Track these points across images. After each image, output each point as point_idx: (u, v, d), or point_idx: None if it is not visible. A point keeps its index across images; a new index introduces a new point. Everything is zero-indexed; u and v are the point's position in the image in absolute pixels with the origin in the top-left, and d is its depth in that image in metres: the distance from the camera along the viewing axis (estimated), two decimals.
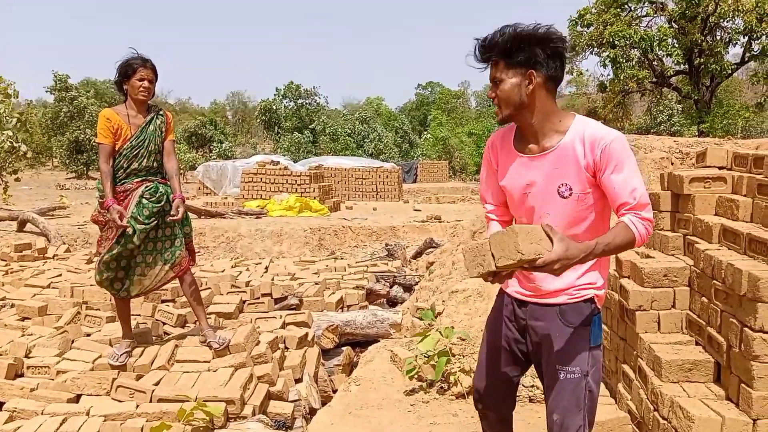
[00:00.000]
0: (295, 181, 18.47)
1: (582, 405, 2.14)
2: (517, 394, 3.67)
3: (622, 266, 3.57)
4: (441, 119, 45.06)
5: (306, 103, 46.19)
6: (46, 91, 38.19)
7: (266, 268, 8.19)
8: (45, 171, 40.54)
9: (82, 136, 36.30)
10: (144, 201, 4.17)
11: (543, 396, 2.34)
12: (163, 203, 4.23)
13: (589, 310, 2.15)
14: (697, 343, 3.13)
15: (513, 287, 2.27)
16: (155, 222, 4.21)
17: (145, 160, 4.22)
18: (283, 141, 42.30)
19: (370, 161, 26.34)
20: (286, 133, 44.06)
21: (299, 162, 26.51)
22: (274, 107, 46.52)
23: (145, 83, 4.16)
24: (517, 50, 2.02)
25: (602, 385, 3.78)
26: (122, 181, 4.20)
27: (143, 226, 4.14)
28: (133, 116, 4.21)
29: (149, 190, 4.21)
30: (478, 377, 2.43)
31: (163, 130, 4.31)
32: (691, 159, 4.98)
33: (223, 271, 7.51)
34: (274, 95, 46.87)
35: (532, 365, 2.34)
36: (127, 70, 4.15)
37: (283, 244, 11.51)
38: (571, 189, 2.06)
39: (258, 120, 50.19)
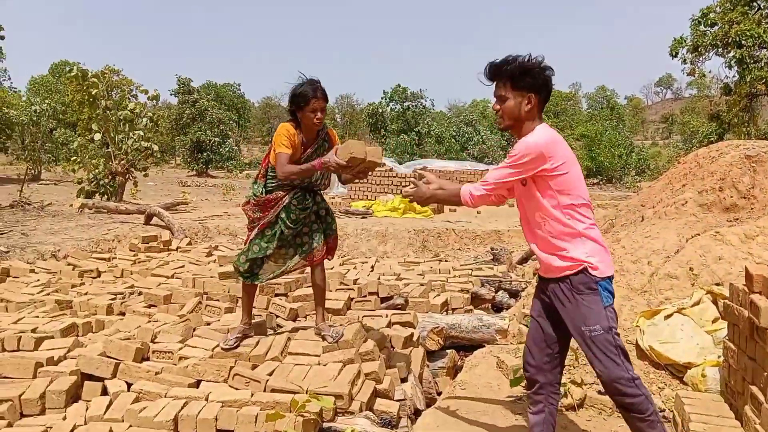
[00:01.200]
0: (400, 182, 18.66)
1: (616, 355, 2.71)
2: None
3: (753, 281, 3.34)
4: (546, 122, 43.84)
5: (412, 106, 46.42)
6: (171, 94, 40.94)
7: (372, 267, 8.32)
8: (168, 168, 43.33)
9: (203, 136, 38.57)
10: (292, 207, 4.40)
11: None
12: (309, 210, 4.47)
13: (590, 278, 2.74)
14: None
15: (539, 269, 3.00)
16: (300, 226, 4.49)
17: (308, 181, 4.43)
18: (389, 143, 42.76)
19: (474, 165, 26.06)
20: (391, 136, 44.49)
21: (404, 164, 26.72)
22: (380, 110, 47.11)
23: (318, 114, 4.23)
24: (521, 77, 2.77)
25: (726, 406, 3.57)
26: (272, 190, 4.43)
27: (290, 231, 4.44)
28: (305, 141, 4.37)
29: (297, 197, 4.42)
30: (529, 349, 3.01)
31: (327, 148, 4.44)
32: None
33: (332, 269, 7.71)
34: (381, 98, 47.47)
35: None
36: (299, 101, 4.21)
37: (388, 245, 11.64)
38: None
39: (365, 123, 51.02)
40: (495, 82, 2.86)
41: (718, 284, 4.47)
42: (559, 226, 2.81)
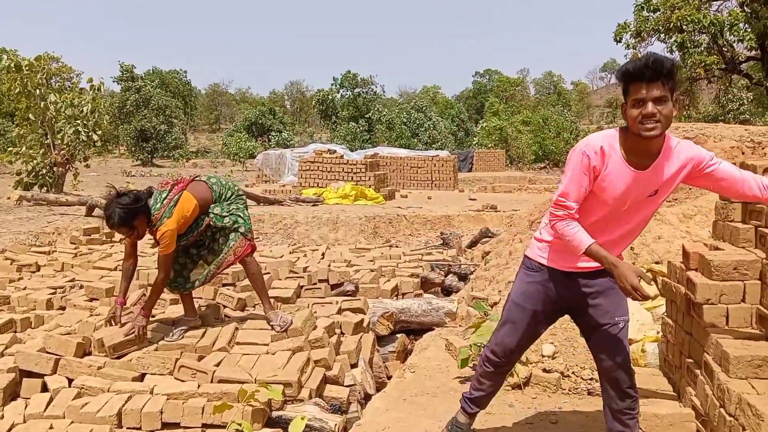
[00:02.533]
0: (351, 169, 18.64)
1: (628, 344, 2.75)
2: (577, 387, 3.67)
3: (689, 258, 3.44)
4: (497, 107, 44.31)
5: (363, 92, 46.25)
6: (113, 81, 39.66)
7: (323, 254, 8.28)
8: (112, 158, 41.96)
9: (148, 124, 37.52)
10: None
11: (601, 389, 2.81)
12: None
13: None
14: (767, 339, 3.00)
15: (561, 263, 2.71)
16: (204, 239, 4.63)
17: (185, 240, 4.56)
18: (339, 130, 42.56)
19: (425, 153, 26.19)
20: (342, 123, 44.29)
21: (355, 151, 26.68)
22: (330, 97, 46.78)
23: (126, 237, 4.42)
24: (675, 78, 2.36)
25: (665, 380, 3.69)
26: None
27: (191, 246, 4.62)
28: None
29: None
30: (515, 340, 2.88)
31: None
32: (763, 148, 4.77)
33: (281, 257, 7.64)
34: (331, 85, 47.15)
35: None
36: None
37: (339, 232, 11.61)
38: (657, 192, 2.56)
39: (315, 110, 50.64)
40: (654, 82, 2.34)
41: (657, 262, 4.60)
42: None
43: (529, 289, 2.82)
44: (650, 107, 2.33)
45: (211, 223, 4.51)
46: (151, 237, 4.47)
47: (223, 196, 4.59)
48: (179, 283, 4.63)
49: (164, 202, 4.31)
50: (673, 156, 2.50)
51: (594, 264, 2.57)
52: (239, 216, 4.60)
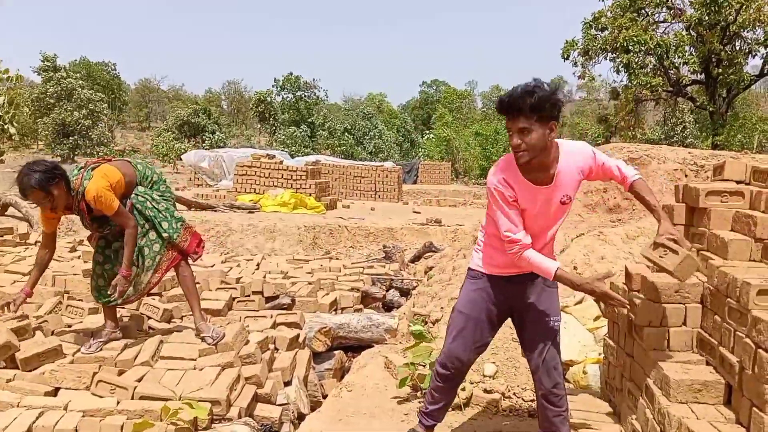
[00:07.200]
0: (291, 176, 18.17)
1: (559, 347, 3.03)
2: (518, 408, 3.61)
3: (632, 279, 3.43)
4: (447, 118, 44.42)
5: (305, 96, 45.62)
6: (33, 72, 37.58)
7: (258, 265, 8.04)
8: (29, 153, 39.64)
9: (69, 117, 35.60)
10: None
11: (534, 387, 3.08)
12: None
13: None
14: (707, 363, 2.99)
15: (498, 270, 2.98)
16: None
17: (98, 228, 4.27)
18: (279, 134, 41.83)
19: (369, 164, 26.09)
20: (282, 127, 43.58)
21: (295, 158, 26.30)
22: (270, 99, 45.81)
23: (44, 210, 4.04)
24: (542, 108, 2.59)
25: (605, 403, 3.66)
26: None
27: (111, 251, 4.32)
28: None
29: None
30: (462, 348, 3.03)
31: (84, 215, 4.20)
32: (706, 172, 4.88)
33: (212, 266, 7.35)
34: (272, 86, 46.24)
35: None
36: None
37: (276, 241, 11.35)
38: (569, 197, 2.85)
39: (253, 111, 49.54)
40: (517, 117, 2.62)
41: None
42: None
43: (474, 297, 3.04)
44: (515, 140, 2.64)
45: (134, 205, 4.21)
46: (74, 214, 4.16)
47: (149, 178, 4.33)
48: (104, 294, 4.30)
49: (80, 170, 4.07)
50: (570, 164, 2.80)
51: (509, 269, 2.93)
52: (166, 219, 4.31)
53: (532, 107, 2.57)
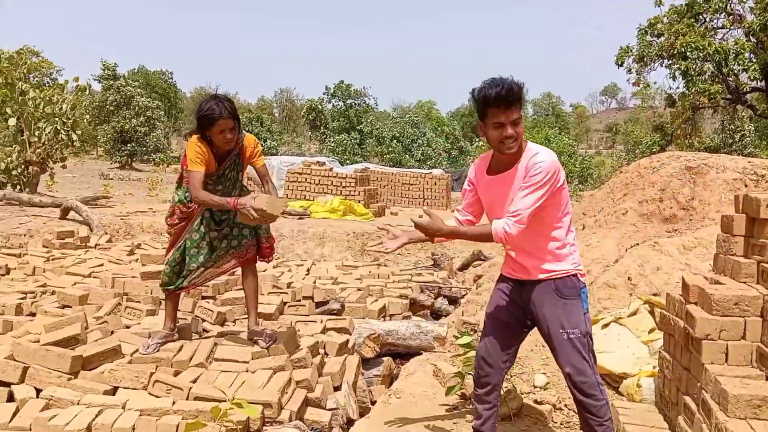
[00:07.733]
0: (340, 183, 18.36)
1: (588, 358, 2.86)
2: (569, 421, 3.53)
3: (689, 291, 3.34)
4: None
5: (355, 104, 45.79)
6: (94, 80, 38.64)
7: (308, 270, 8.13)
8: (89, 159, 40.83)
9: (128, 125, 36.54)
10: (207, 214, 4.26)
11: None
12: (230, 213, 4.27)
13: (575, 284, 2.88)
14: (767, 378, 2.89)
15: (506, 270, 3.07)
16: (224, 227, 4.35)
17: (220, 192, 4.20)
18: (329, 142, 42.13)
19: (417, 172, 25.98)
20: (332, 134, 43.86)
21: (344, 165, 26.46)
22: (321, 107, 46.17)
23: (227, 135, 4.00)
24: (521, 97, 2.72)
25: (660, 417, 3.56)
26: (191, 203, 4.25)
27: (215, 233, 4.32)
28: (220, 156, 4.18)
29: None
30: (485, 349, 3.09)
31: (240, 161, 4.26)
32: (766, 181, 4.70)
33: (264, 271, 7.48)
34: (323, 94, 46.61)
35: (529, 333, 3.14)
36: (205, 123, 3.99)
37: (325, 247, 11.43)
38: None
39: (304, 119, 49.97)
40: (511, 108, 2.72)
41: (655, 294, 4.49)
42: (555, 233, 2.89)
43: (494, 297, 3.13)
44: (509, 130, 2.71)
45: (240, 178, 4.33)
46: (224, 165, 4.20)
47: None
48: (175, 280, 4.36)
49: None
50: (528, 161, 2.82)
51: (517, 273, 2.99)
52: None
53: (520, 98, 2.71)
